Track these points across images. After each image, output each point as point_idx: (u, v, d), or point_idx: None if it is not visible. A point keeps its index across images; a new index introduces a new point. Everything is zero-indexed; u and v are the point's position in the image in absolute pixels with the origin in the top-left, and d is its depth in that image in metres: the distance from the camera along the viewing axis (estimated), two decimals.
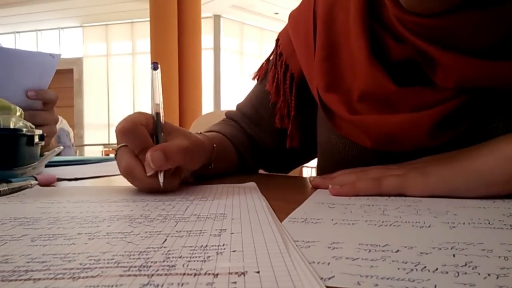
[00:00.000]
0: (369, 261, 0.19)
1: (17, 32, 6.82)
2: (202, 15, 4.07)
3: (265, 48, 6.61)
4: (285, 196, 0.44)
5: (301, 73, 0.55)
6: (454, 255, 0.20)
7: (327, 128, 0.54)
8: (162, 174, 0.39)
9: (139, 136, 0.39)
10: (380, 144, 0.45)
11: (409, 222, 0.27)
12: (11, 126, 0.52)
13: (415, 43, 0.40)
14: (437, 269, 0.18)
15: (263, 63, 0.65)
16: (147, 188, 0.40)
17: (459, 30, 0.37)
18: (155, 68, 0.44)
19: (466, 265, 0.18)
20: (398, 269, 0.18)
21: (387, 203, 0.35)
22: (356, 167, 0.46)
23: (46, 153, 0.61)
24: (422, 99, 0.42)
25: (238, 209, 0.32)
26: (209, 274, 0.17)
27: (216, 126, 0.66)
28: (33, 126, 0.57)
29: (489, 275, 0.17)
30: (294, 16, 0.58)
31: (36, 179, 0.48)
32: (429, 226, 0.26)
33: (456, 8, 0.36)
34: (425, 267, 0.18)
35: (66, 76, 6.63)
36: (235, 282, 0.16)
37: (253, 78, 0.66)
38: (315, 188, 0.45)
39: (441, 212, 0.30)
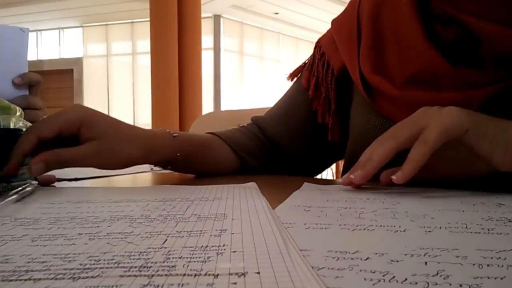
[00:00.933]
0: (335, 271, 0.18)
1: None
2: (202, 15, 4.07)
3: (265, 48, 6.60)
4: (286, 196, 0.44)
5: (341, 69, 0.59)
6: (426, 263, 0.19)
7: (366, 109, 0.56)
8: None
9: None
10: None
11: (383, 226, 0.26)
12: (11, 126, 0.52)
13: (456, 16, 0.44)
14: (406, 279, 0.17)
15: (300, 65, 0.69)
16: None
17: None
18: None
19: (437, 274, 0.17)
20: (365, 279, 0.17)
21: (364, 206, 0.34)
22: None
23: None
24: (473, 78, 0.45)
25: (238, 209, 0.32)
26: (209, 274, 0.17)
27: (221, 131, 0.66)
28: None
29: (461, 286, 0.16)
30: (338, 20, 0.63)
31: (36, 179, 0.48)
32: (404, 231, 0.25)
33: None
34: (393, 277, 0.17)
35: (66, 76, 6.63)
36: (235, 283, 0.16)
37: (288, 78, 0.69)
38: (360, 184, 0.42)
39: (418, 216, 0.29)
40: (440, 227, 0.26)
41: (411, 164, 0.38)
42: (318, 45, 0.66)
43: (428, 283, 0.16)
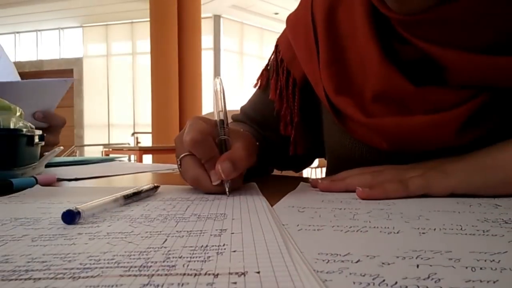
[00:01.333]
0: (324, 274, 0.18)
1: (17, 32, 6.82)
2: (202, 15, 4.08)
3: (265, 48, 6.61)
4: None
5: (304, 78, 0.55)
6: (418, 266, 0.18)
7: (338, 132, 0.53)
8: (228, 182, 0.39)
9: (208, 147, 0.40)
10: (397, 146, 0.45)
11: (377, 227, 0.26)
12: (11, 126, 0.52)
13: (416, 44, 0.40)
14: (396, 282, 0.16)
15: (263, 70, 0.64)
16: (213, 193, 0.41)
17: (453, 23, 0.37)
18: (217, 80, 0.45)
19: (429, 277, 0.17)
20: (354, 283, 0.16)
21: (359, 207, 0.33)
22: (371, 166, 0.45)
23: (46, 153, 0.61)
24: (442, 98, 0.41)
25: (238, 209, 0.32)
26: (209, 274, 0.17)
27: (239, 126, 0.65)
28: (33, 126, 0.57)
29: None
30: (292, 20, 0.57)
31: (36, 179, 0.48)
32: (397, 232, 0.25)
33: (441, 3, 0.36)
34: (383, 280, 0.17)
35: (66, 76, 6.63)
36: (235, 283, 0.16)
37: (255, 86, 0.65)
38: (323, 191, 0.43)
39: (413, 217, 0.29)
40: (435, 229, 0.25)
41: (381, 191, 0.37)
42: (277, 48, 0.60)
43: (418, 287, 0.16)
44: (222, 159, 0.39)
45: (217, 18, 6.02)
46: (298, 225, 0.27)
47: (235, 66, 6.46)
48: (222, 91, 0.44)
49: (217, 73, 6.10)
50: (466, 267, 0.18)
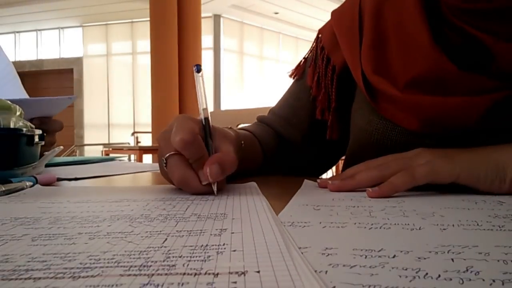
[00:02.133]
0: (368, 268, 0.18)
1: (17, 32, 6.82)
2: (202, 15, 4.08)
3: (265, 48, 6.60)
4: (286, 196, 0.44)
5: (343, 66, 0.57)
6: (452, 260, 0.19)
7: (368, 111, 0.55)
8: (215, 183, 0.39)
9: (198, 148, 0.39)
10: (427, 126, 0.46)
11: (398, 224, 0.27)
12: (11, 126, 0.52)
13: (470, 32, 0.42)
14: (439, 275, 0.17)
15: (300, 61, 0.66)
16: (201, 194, 0.40)
17: (509, 16, 0.39)
18: (198, 70, 0.43)
19: (467, 270, 0.18)
20: (400, 276, 0.17)
21: (371, 204, 0.34)
22: (393, 151, 0.46)
23: (46, 153, 0.61)
24: (478, 84, 0.43)
25: (238, 208, 0.32)
26: (209, 273, 0.17)
27: (249, 126, 0.66)
28: (33, 126, 0.57)
29: (494, 281, 0.16)
30: (338, 12, 0.60)
31: (36, 179, 0.48)
32: (419, 228, 0.25)
33: None
34: (427, 273, 0.17)
35: (66, 76, 6.63)
36: (235, 282, 0.16)
37: (290, 76, 0.67)
38: (333, 191, 0.42)
39: (427, 214, 0.30)
40: (453, 225, 0.26)
41: (389, 187, 0.38)
42: (318, 38, 0.63)
43: (462, 279, 0.17)
44: (211, 161, 0.38)
45: (217, 18, 6.02)
46: (320, 222, 0.28)
47: (235, 66, 6.46)
48: (204, 87, 0.43)
49: (217, 73, 6.10)
50: (498, 260, 0.19)
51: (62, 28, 6.68)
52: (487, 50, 0.42)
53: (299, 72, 0.66)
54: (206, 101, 0.43)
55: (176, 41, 3.76)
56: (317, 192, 0.42)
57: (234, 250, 0.20)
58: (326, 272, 0.18)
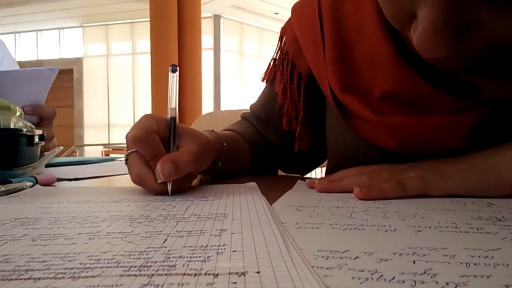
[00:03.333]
0: (324, 270, 0.18)
1: (17, 32, 6.82)
2: (202, 15, 4.07)
3: (265, 48, 6.60)
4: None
5: (310, 72, 0.53)
6: (414, 262, 0.19)
7: (342, 130, 0.52)
8: (171, 182, 0.39)
9: (151, 144, 0.39)
10: (406, 146, 0.43)
11: (374, 225, 0.27)
12: (11, 126, 0.52)
13: (441, 67, 0.38)
14: (394, 277, 0.17)
15: (270, 63, 0.62)
16: (157, 193, 0.40)
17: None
18: (173, 70, 0.43)
19: (425, 272, 0.18)
20: (353, 278, 0.17)
21: (356, 205, 0.34)
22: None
23: (46, 153, 0.61)
24: (457, 102, 0.40)
25: (238, 209, 0.32)
26: (209, 274, 0.17)
27: (233, 125, 0.65)
28: (33, 126, 0.57)
29: (447, 284, 0.16)
30: (297, 9, 0.55)
31: (36, 179, 0.48)
32: (394, 230, 0.25)
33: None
34: (381, 275, 0.17)
35: (66, 76, 6.63)
36: (235, 282, 0.16)
37: (262, 80, 0.64)
38: (320, 192, 0.42)
39: (409, 215, 0.29)
40: (430, 227, 0.26)
41: (378, 191, 0.37)
42: (282, 39, 0.58)
43: (415, 282, 0.17)
44: (164, 159, 0.38)
45: (217, 18, 6.02)
46: (296, 223, 0.27)
47: (235, 66, 6.46)
48: (176, 88, 0.43)
49: (217, 73, 6.10)
50: (461, 263, 0.19)
51: (62, 28, 6.68)
52: (469, 84, 0.38)
53: (270, 76, 0.61)
54: (176, 101, 0.43)
55: (176, 41, 3.76)
56: (307, 193, 0.42)
57: (234, 251, 0.20)
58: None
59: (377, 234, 0.24)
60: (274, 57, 0.60)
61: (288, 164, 0.68)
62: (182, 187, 0.41)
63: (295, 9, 0.56)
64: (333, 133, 0.55)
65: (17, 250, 0.21)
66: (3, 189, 0.41)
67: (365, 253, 0.20)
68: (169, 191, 0.39)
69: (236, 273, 0.17)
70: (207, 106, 5.08)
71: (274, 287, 0.16)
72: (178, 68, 0.44)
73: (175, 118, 0.42)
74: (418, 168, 0.41)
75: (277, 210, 0.32)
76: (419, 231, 0.25)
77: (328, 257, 0.20)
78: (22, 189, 0.44)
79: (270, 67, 0.62)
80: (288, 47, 0.56)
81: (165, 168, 0.38)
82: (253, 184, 0.46)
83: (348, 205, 0.34)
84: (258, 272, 0.17)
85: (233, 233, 0.24)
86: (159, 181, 0.39)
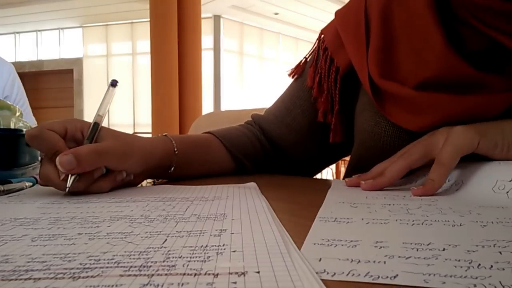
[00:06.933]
0: (423, 260, 0.19)
1: (17, 32, 6.82)
2: (202, 15, 4.07)
3: (265, 49, 6.60)
4: (285, 196, 0.44)
5: (347, 67, 0.56)
6: (500, 253, 0.20)
7: (374, 113, 0.54)
8: (71, 178, 0.39)
9: (46, 141, 0.40)
10: (441, 124, 0.45)
11: (438, 221, 0.27)
12: (11, 126, 0.52)
13: (485, 32, 0.41)
14: (492, 266, 0.18)
15: (301, 61, 0.65)
16: (60, 189, 0.40)
17: None
18: (113, 85, 0.47)
19: None
20: (455, 267, 0.18)
21: (407, 202, 0.35)
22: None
23: None
24: (496, 84, 0.43)
25: (238, 209, 0.32)
26: (209, 274, 0.17)
27: (221, 128, 0.65)
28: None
29: None
30: (342, 12, 0.60)
31: (36, 179, 0.48)
32: (460, 225, 0.26)
33: None
34: (479, 264, 0.18)
35: (66, 76, 6.63)
36: (235, 282, 0.16)
37: (290, 75, 0.66)
38: (366, 190, 0.43)
39: (464, 211, 0.30)
40: (492, 222, 0.27)
41: (432, 184, 0.39)
42: (321, 38, 0.62)
43: None
44: (65, 152, 0.39)
45: (217, 18, 6.01)
46: (362, 219, 0.28)
47: (235, 66, 6.46)
48: (111, 101, 0.46)
49: (217, 73, 6.10)
50: None
51: (62, 28, 6.67)
52: (507, 52, 0.41)
53: (299, 72, 0.65)
54: (105, 111, 0.45)
55: (176, 42, 3.76)
56: (348, 190, 0.43)
57: (234, 251, 0.20)
58: (385, 262, 0.18)
59: (447, 229, 0.25)
60: (307, 56, 0.64)
61: (295, 167, 0.68)
62: (99, 187, 0.42)
63: (339, 12, 0.61)
64: (363, 118, 0.57)
65: (17, 250, 0.21)
66: (3, 189, 0.41)
67: (449, 245, 0.21)
68: (68, 184, 0.39)
69: (236, 273, 0.17)
70: (207, 107, 5.08)
71: (274, 287, 0.16)
72: (117, 83, 0.47)
73: (98, 123, 0.44)
74: (441, 131, 0.43)
75: (333, 206, 0.33)
76: (484, 226, 0.26)
77: (417, 249, 0.21)
78: (22, 189, 0.44)
79: (300, 64, 0.65)
80: (328, 42, 0.60)
81: (64, 159, 0.38)
82: (253, 184, 0.46)
83: (397, 202, 0.35)
84: (258, 272, 0.17)
85: (233, 233, 0.24)
86: (61, 177, 0.39)
